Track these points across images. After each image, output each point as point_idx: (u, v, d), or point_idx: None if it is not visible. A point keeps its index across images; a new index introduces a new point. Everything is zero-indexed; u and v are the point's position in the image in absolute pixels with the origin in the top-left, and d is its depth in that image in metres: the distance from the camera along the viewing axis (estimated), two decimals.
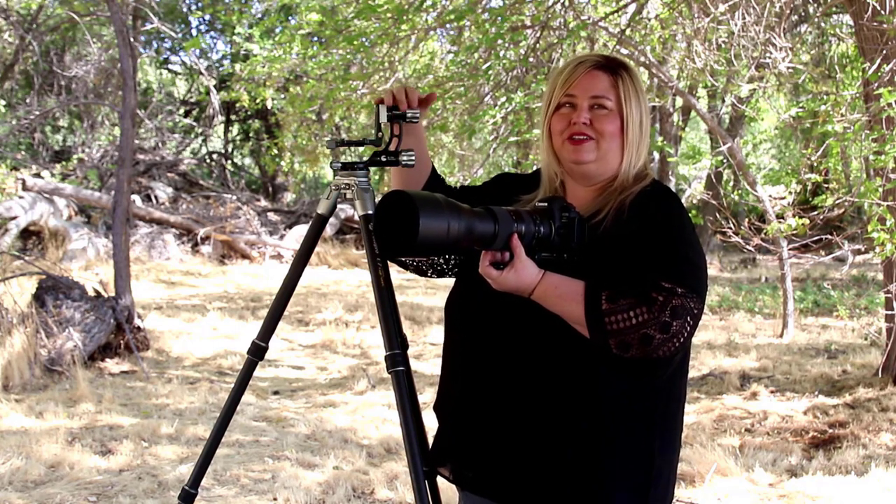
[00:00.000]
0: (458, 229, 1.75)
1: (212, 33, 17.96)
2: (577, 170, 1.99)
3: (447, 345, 2.06)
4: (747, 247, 7.80)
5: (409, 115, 1.98)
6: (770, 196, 8.93)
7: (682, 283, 1.77)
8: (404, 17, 6.93)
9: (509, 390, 1.89)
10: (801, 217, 6.64)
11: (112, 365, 7.13)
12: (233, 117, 19.66)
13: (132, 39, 8.54)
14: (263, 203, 17.57)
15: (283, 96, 13.51)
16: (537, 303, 1.84)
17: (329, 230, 15.14)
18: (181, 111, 19.27)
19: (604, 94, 1.94)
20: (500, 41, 6.96)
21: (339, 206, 2.09)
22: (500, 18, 6.96)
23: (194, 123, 19.31)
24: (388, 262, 2.00)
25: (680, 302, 1.75)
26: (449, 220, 1.74)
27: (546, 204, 1.89)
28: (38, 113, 14.67)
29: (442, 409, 2.05)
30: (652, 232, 1.84)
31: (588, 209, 1.95)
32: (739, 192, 8.86)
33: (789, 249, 8.33)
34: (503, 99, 7.30)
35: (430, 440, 2.07)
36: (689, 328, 1.76)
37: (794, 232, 6.65)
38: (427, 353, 8.07)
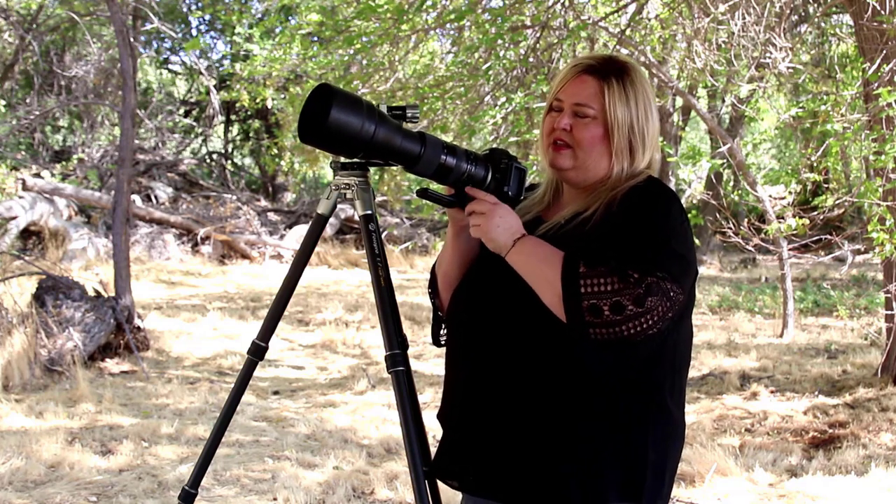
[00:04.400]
0: (372, 132, 1.83)
1: (212, 33, 17.97)
2: (557, 174, 2.01)
3: (447, 350, 2.07)
4: (747, 247, 7.79)
5: (409, 113, 1.99)
6: (770, 196, 8.92)
7: (661, 267, 1.78)
8: (404, 18, 6.93)
9: (502, 386, 1.90)
10: (801, 217, 6.64)
11: (112, 365, 7.13)
12: (233, 117, 19.66)
13: (132, 39, 8.54)
14: (263, 203, 17.57)
15: (283, 96, 13.50)
16: (519, 286, 1.86)
17: (329, 230, 15.14)
18: (181, 111, 19.26)
19: (586, 102, 1.94)
20: (500, 41, 6.97)
21: (339, 205, 2.09)
22: (500, 18, 6.97)
23: (194, 123, 19.31)
24: (388, 262, 2.02)
25: (655, 281, 1.76)
26: (364, 121, 1.82)
27: (489, 151, 1.98)
28: (38, 113, 14.67)
29: (443, 415, 2.06)
30: (635, 221, 1.85)
31: (579, 207, 1.96)
32: (739, 192, 8.86)
33: (789, 249, 8.33)
34: (503, 99, 7.30)
35: (430, 441, 2.07)
36: (664, 309, 1.76)
37: (794, 232, 6.64)
38: (427, 353, 8.07)
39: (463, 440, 1.97)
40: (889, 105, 5.19)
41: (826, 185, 7.74)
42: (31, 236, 13.09)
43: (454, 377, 2.02)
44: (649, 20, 7.71)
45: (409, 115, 1.99)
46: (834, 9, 7.94)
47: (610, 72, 1.95)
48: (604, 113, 1.93)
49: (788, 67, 7.13)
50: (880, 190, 5.53)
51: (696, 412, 5.89)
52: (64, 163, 15.96)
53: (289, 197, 19.28)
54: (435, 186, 2.04)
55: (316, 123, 1.83)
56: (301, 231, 14.88)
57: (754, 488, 4.45)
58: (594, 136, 1.94)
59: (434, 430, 2.37)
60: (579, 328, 1.78)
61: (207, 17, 16.55)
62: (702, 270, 14.56)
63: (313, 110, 1.85)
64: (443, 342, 2.11)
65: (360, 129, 1.83)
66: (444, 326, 2.12)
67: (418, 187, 1.99)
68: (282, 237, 15.23)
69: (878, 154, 5.42)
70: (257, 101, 11.58)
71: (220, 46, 18.31)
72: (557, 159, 1.97)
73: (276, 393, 6.69)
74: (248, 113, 18.61)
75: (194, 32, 17.66)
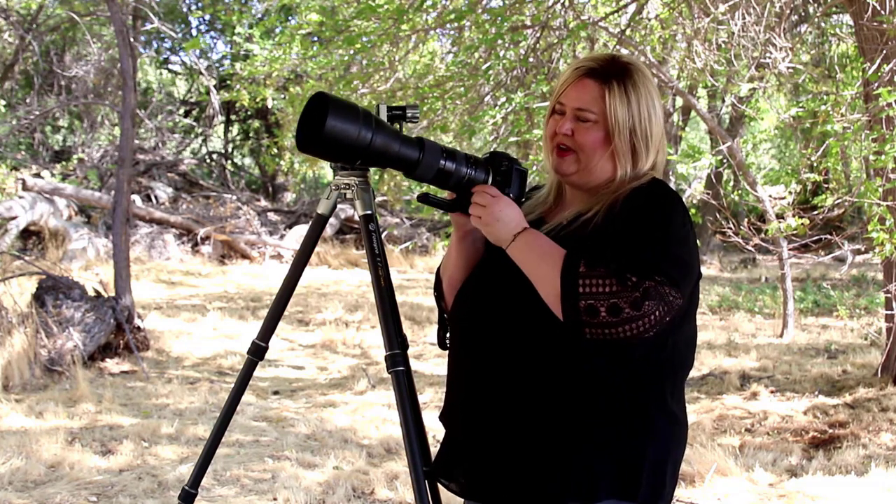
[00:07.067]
0: (368, 138, 1.84)
1: (212, 33, 17.97)
2: (561, 178, 2.02)
3: (450, 350, 2.07)
4: (747, 247, 7.80)
5: (409, 113, 1.99)
6: (770, 196, 8.92)
7: (659, 271, 1.78)
8: (404, 18, 6.93)
9: (504, 386, 1.90)
10: (800, 217, 6.64)
11: (112, 365, 7.13)
12: (233, 117, 19.66)
13: (132, 39, 8.54)
14: (263, 203, 17.56)
15: (283, 96, 13.50)
16: (525, 291, 1.86)
17: (329, 230, 15.14)
18: (181, 111, 19.26)
19: (586, 107, 1.92)
20: (500, 41, 6.97)
21: (339, 205, 2.09)
22: (500, 18, 6.97)
23: (194, 123, 19.31)
24: (388, 262, 2.02)
25: (653, 286, 1.76)
26: (361, 128, 1.83)
27: (489, 155, 1.99)
28: (38, 113, 14.68)
29: (445, 416, 2.06)
30: (636, 224, 1.85)
31: (581, 208, 1.96)
32: (739, 192, 8.86)
33: (789, 249, 8.33)
34: (503, 99, 7.30)
35: (430, 441, 2.07)
36: (661, 313, 1.76)
37: (794, 232, 6.64)
38: (427, 353, 8.07)
39: (464, 441, 1.97)
40: (889, 105, 5.19)
41: (826, 185, 7.74)
42: (31, 236, 13.09)
43: (457, 377, 2.02)
44: (649, 20, 7.71)
45: (408, 115, 1.99)
46: (834, 9, 7.94)
47: (611, 74, 1.93)
48: (605, 117, 1.92)
49: (788, 67, 7.13)
50: (880, 190, 5.53)
51: (696, 412, 5.89)
52: (64, 163, 15.96)
53: (289, 197, 19.28)
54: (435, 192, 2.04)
55: (312, 133, 1.84)
56: (301, 231, 14.87)
57: (754, 488, 4.45)
58: (595, 140, 1.93)
59: (434, 431, 2.38)
60: (575, 326, 1.78)
61: (207, 17, 16.56)
62: (702, 270, 14.54)
63: (309, 120, 1.86)
64: (448, 345, 2.10)
65: (357, 137, 1.83)
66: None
67: (419, 192, 1.99)
68: (282, 237, 15.23)
69: (878, 154, 5.42)
70: (257, 101, 11.58)
71: (220, 46, 18.34)
72: (561, 165, 1.97)
73: (276, 393, 6.69)
74: (248, 113, 18.61)
75: (194, 32, 17.67)
